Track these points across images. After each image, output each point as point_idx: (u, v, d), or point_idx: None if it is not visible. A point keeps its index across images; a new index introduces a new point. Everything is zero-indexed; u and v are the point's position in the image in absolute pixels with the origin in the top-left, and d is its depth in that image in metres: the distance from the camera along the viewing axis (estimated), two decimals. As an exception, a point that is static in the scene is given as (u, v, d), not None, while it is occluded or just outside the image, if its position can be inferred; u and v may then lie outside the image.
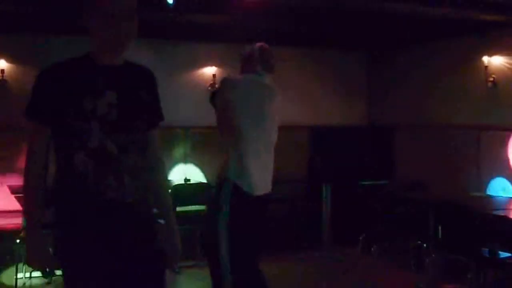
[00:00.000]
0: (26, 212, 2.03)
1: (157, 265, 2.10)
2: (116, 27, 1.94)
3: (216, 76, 6.67)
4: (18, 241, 4.73)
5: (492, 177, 5.81)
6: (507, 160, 5.70)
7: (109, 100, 1.97)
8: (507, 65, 5.71)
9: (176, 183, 5.70)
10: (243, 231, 3.33)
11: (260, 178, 3.35)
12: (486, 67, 5.84)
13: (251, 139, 3.33)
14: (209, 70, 6.80)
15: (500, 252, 4.11)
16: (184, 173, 6.60)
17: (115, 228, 1.99)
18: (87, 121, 1.93)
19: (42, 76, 1.99)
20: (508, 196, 5.41)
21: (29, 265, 2.05)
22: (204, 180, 6.50)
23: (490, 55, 5.83)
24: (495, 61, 5.82)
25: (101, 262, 1.96)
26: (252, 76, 3.44)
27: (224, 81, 3.48)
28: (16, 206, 5.59)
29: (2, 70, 5.97)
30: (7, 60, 6.01)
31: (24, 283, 4.90)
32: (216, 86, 3.67)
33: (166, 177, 2.34)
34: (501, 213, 4.48)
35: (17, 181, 5.61)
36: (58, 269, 2.05)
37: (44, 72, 1.99)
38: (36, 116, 1.98)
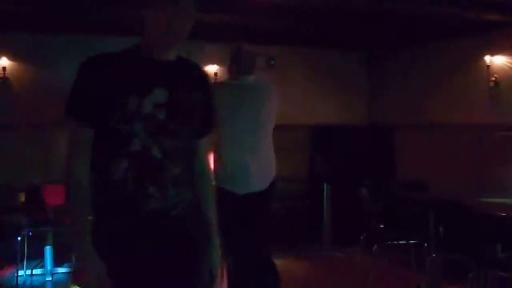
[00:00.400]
0: (74, 223, 1.78)
1: (195, 284, 1.91)
2: (178, 18, 1.74)
3: (218, 75, 6.66)
4: (19, 238, 4.74)
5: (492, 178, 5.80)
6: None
7: (157, 99, 1.75)
8: (509, 64, 5.70)
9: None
10: (229, 232, 3.36)
11: (249, 175, 3.34)
12: (488, 66, 5.83)
13: (228, 141, 3.34)
14: (210, 70, 6.78)
15: (501, 252, 4.10)
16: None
17: (156, 244, 1.77)
18: (130, 122, 1.71)
19: (85, 68, 1.76)
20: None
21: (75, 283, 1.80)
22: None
23: (492, 54, 5.81)
24: (497, 61, 5.80)
25: (137, 277, 1.76)
26: (231, 81, 3.44)
27: None
28: (16, 203, 5.60)
29: (4, 68, 5.97)
30: (9, 58, 6.02)
31: (25, 281, 4.90)
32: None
33: (211, 192, 2.02)
34: (502, 213, 4.47)
35: (17, 180, 5.62)
36: None
37: (87, 63, 1.77)
38: (78, 113, 1.75)
